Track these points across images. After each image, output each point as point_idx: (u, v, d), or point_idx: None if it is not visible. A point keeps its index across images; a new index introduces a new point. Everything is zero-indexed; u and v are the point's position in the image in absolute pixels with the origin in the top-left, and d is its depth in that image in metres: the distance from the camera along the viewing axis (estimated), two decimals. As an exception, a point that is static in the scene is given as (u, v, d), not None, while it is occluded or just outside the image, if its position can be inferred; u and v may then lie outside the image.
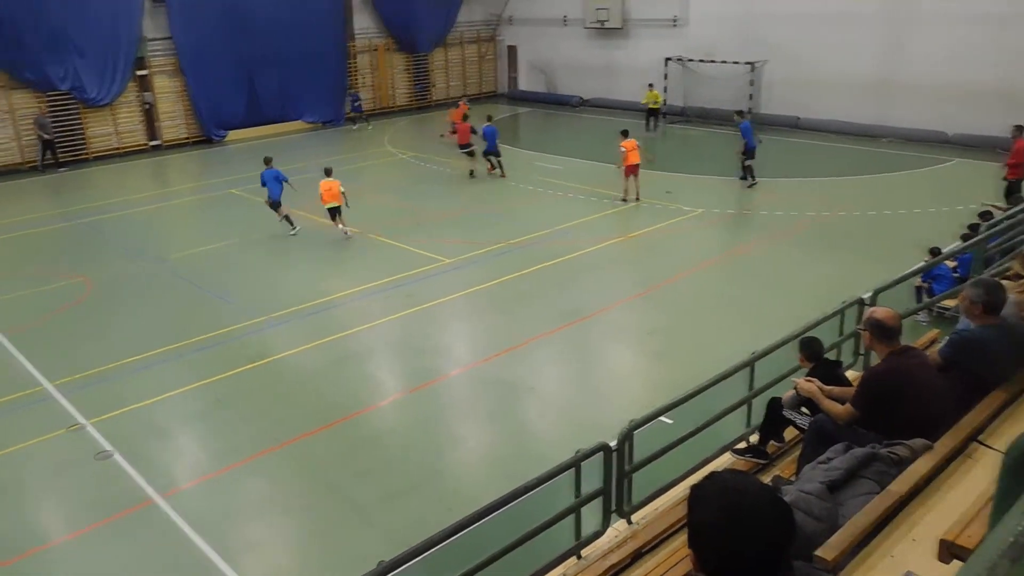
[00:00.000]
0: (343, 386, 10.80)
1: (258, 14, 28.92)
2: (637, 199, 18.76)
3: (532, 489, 5.35)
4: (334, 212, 16.92)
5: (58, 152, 25.57)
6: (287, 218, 17.58)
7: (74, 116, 26.24)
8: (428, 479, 8.62)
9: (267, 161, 18.00)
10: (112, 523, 8.05)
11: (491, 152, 21.58)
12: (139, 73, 27.40)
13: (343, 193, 16.85)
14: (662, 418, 6.75)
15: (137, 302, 13.97)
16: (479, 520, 5.11)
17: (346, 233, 16.94)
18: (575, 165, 22.97)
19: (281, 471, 8.87)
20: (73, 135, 26.27)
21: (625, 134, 18.88)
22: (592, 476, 5.88)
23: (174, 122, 28.73)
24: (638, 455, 6.08)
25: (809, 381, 5.63)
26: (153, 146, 28.04)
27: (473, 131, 21.98)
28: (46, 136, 25.01)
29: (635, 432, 5.95)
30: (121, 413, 10.10)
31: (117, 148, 27.23)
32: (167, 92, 28.30)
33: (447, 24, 35.20)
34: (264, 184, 17.55)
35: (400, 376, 11.40)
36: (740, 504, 2.14)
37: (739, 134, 19.92)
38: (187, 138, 28.94)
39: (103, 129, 27.14)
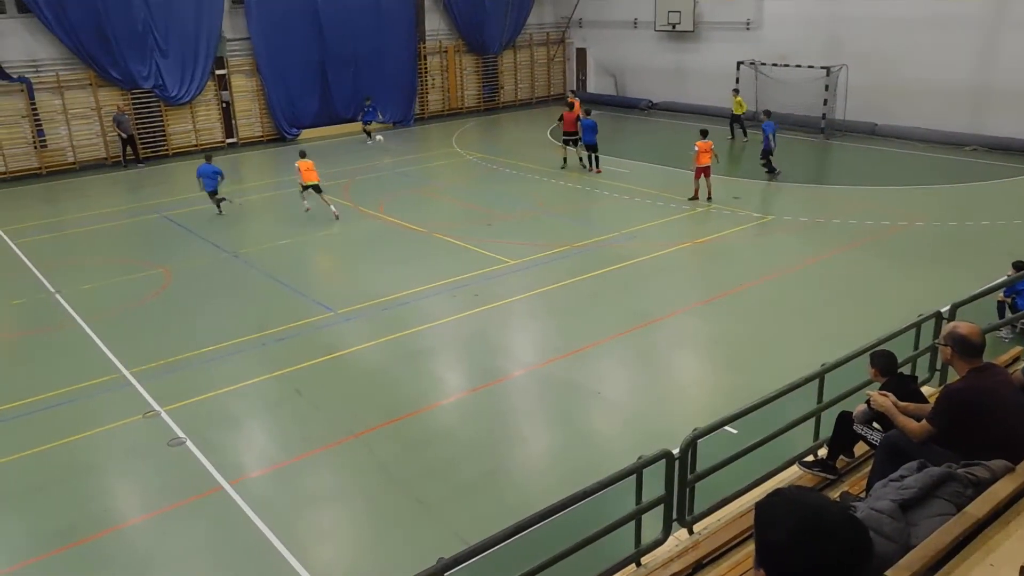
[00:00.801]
0: (410, 382, 10.94)
1: (333, 15, 29.53)
2: (709, 198, 18.65)
3: (593, 493, 5.34)
4: (316, 189, 18.63)
5: (139, 148, 26.57)
6: (219, 202, 19.62)
7: (156, 113, 27.22)
8: (490, 478, 8.67)
9: (207, 158, 20.10)
10: (182, 508, 8.32)
11: (590, 146, 21.92)
12: (218, 72, 28.26)
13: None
14: (727, 428, 6.66)
15: (213, 294, 14.41)
16: (539, 522, 5.13)
17: (336, 216, 18.54)
18: (643, 169, 22.79)
19: (347, 463, 9.04)
20: (154, 132, 27.26)
21: (704, 134, 18.83)
22: (654, 483, 5.83)
23: (250, 120, 29.53)
24: (701, 464, 6.01)
25: (883, 395, 5.47)
26: (230, 143, 28.88)
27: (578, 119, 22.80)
28: (124, 133, 26.01)
29: (699, 441, 5.88)
30: (194, 401, 10.43)
31: (195, 145, 28.12)
32: (244, 91, 29.12)
33: (517, 26, 35.34)
34: (200, 177, 19.47)
35: (465, 374, 11.49)
36: (817, 524, 2.08)
37: (763, 133, 20.94)
38: (262, 136, 29.73)
39: (183, 126, 28.08)
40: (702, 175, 18.56)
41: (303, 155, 19.11)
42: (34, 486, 8.78)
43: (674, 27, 31.51)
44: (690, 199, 18.74)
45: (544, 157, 24.46)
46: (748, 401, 6.31)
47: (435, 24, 33.16)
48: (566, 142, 23.37)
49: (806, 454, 6.77)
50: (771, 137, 20.76)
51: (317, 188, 18.66)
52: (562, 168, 22.98)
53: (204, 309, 13.69)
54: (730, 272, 14.64)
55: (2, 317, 13.86)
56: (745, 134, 26.37)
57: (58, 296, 14.48)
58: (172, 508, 8.33)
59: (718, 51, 30.23)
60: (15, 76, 24.37)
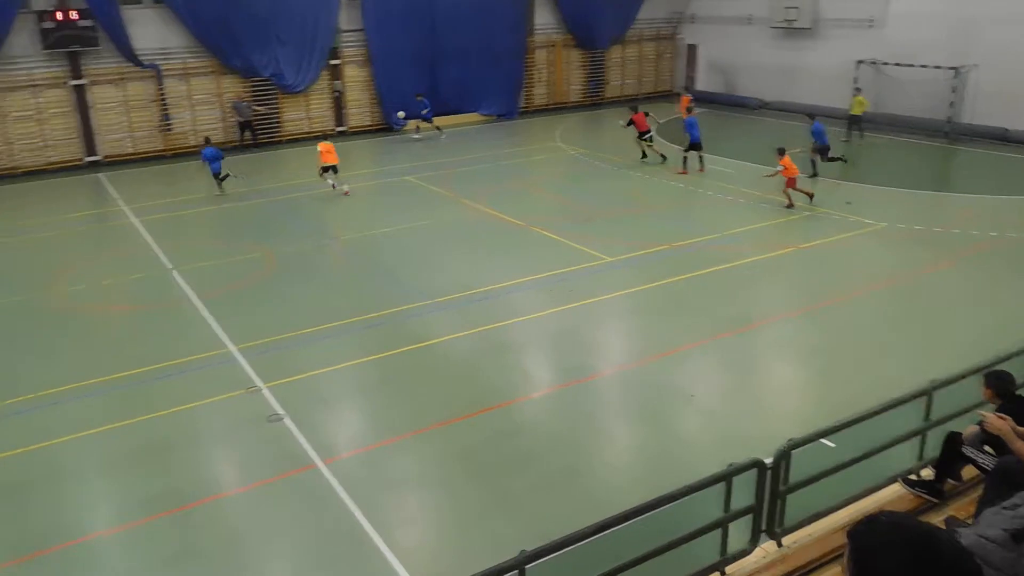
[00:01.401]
0: (498, 374, 11.01)
1: (446, 9, 29.98)
2: (811, 196, 18.19)
3: (680, 497, 5.23)
4: (332, 169, 20.36)
5: (256, 133, 27.74)
6: (221, 181, 21.24)
7: (272, 101, 28.32)
8: (575, 475, 8.63)
9: (207, 140, 22.39)
10: (277, 482, 8.63)
11: (694, 144, 21.48)
12: (332, 62, 29.14)
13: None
14: (823, 440, 6.41)
15: (315, 277, 14.89)
16: (624, 522, 5.06)
17: (341, 189, 20.40)
18: (749, 170, 22.15)
19: (435, 451, 9.17)
20: (270, 118, 28.36)
21: (782, 152, 18.17)
22: (742, 492, 5.67)
23: (360, 110, 30.33)
24: (794, 475, 5.79)
25: (1001, 418, 5.14)
26: (340, 131, 29.73)
27: (647, 114, 23.20)
28: (242, 119, 27.23)
29: (793, 451, 5.67)
30: (293, 380, 10.81)
31: (307, 132, 29.09)
32: (356, 81, 29.93)
33: (627, 21, 34.95)
34: (205, 160, 21.27)
35: (554, 370, 11.47)
36: (929, 554, 1.96)
37: (812, 135, 20.54)
38: (370, 125, 30.49)
39: (296, 114, 29.11)
40: (791, 187, 18.03)
41: (324, 139, 21.46)
42: (140, 452, 9.29)
43: (790, 24, 30.48)
44: (786, 206, 18.13)
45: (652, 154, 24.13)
46: (846, 414, 6.04)
47: (544, 18, 33.18)
48: (642, 138, 23.22)
49: (909, 473, 6.43)
50: (823, 134, 20.53)
51: (335, 169, 20.47)
52: (642, 159, 23.17)
53: (306, 291, 14.16)
54: (836, 279, 14.07)
55: (123, 290, 14.72)
56: (862, 136, 25.27)
57: (174, 273, 15.27)
58: (268, 482, 8.66)
59: (836, 49, 29.06)
60: (147, 63, 25.82)
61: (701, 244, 15.98)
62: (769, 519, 5.75)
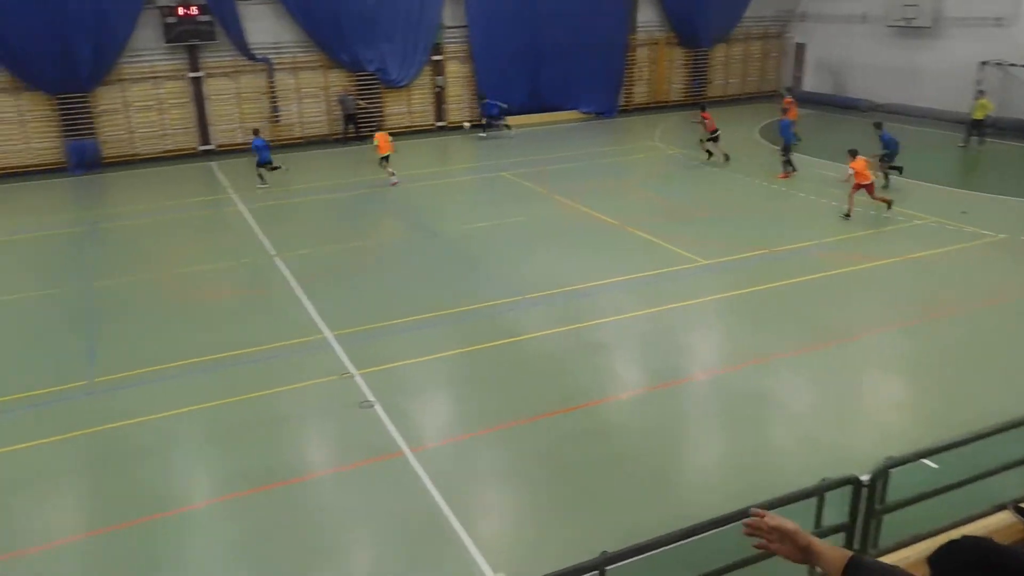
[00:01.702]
0: (587, 373, 10.96)
1: (547, 5, 29.99)
2: (889, 204, 17.33)
3: (769, 509, 5.08)
4: (386, 159, 21.23)
5: (359, 127, 28.48)
6: (262, 174, 21.87)
7: (376, 95, 29.01)
8: (660, 479, 8.51)
9: (256, 132, 22.83)
10: (365, 467, 8.85)
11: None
12: (435, 58, 29.61)
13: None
14: (924, 460, 6.11)
15: (411, 269, 15.18)
16: (709, 530, 4.96)
17: (392, 177, 21.34)
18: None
19: (521, 446, 9.21)
20: (373, 112, 29.07)
21: (853, 154, 17.27)
22: (835, 508, 5.47)
23: (460, 105, 30.72)
24: (892, 495, 5.55)
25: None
26: (439, 127, 30.19)
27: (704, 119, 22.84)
28: (347, 112, 28.03)
29: (892, 470, 5.43)
30: (386, 368, 11.05)
31: (409, 126, 29.68)
32: (457, 77, 30.32)
33: (734, 19, 34.14)
34: (255, 150, 21.94)
35: (643, 372, 11.34)
36: None
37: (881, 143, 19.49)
38: (470, 121, 30.82)
39: (398, 108, 29.74)
40: (859, 191, 17.07)
41: (379, 130, 23.08)
42: (239, 429, 9.69)
43: (908, 22, 29.12)
44: (844, 216, 17.25)
45: (748, 156, 23.54)
46: (951, 434, 5.74)
47: (647, 16, 32.78)
48: (709, 139, 22.84)
49: (1021, 501, 6.05)
50: (891, 141, 19.35)
51: (387, 158, 21.32)
52: (708, 159, 22.88)
53: (402, 282, 14.45)
54: (947, 292, 13.38)
55: (229, 274, 15.39)
56: (982, 141, 23.91)
57: (276, 259, 15.85)
58: (356, 466, 8.90)
59: (958, 49, 27.59)
60: (259, 57, 26.87)
61: (801, 250, 15.48)
62: (863, 539, 5.53)
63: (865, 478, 5.45)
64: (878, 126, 20.17)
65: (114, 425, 9.82)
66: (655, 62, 33.42)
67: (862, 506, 5.41)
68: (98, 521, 8.14)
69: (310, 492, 8.55)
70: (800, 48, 35.08)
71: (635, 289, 13.77)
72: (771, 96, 34.94)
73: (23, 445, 9.45)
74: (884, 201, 17.40)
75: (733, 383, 10.61)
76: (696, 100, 34.37)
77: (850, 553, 2.57)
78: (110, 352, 11.92)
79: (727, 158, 22.71)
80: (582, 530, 7.65)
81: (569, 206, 19.00)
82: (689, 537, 4.91)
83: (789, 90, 27.88)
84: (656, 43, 33.18)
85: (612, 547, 4.79)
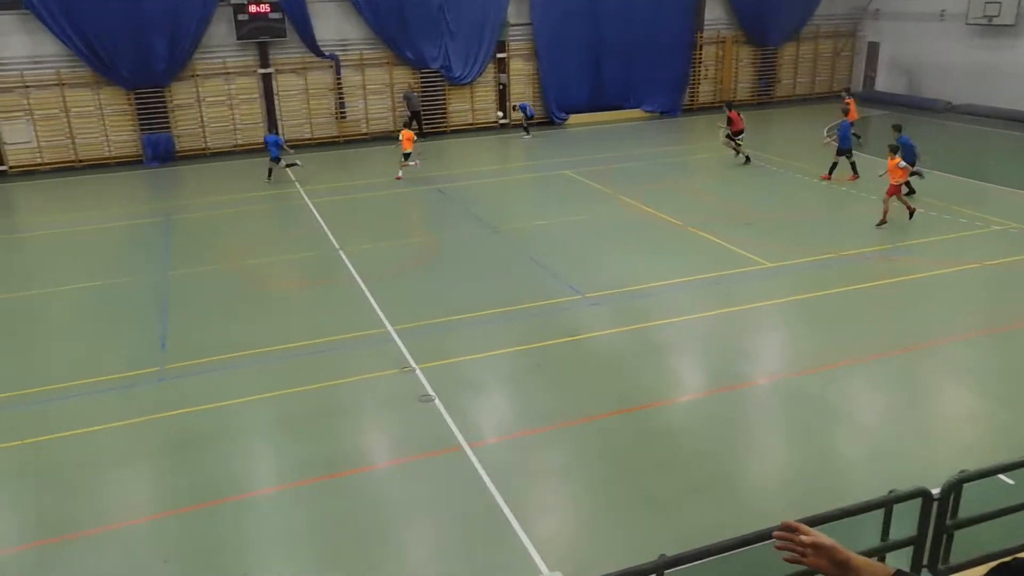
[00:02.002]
0: (648, 374, 10.88)
1: (613, 3, 29.81)
2: (912, 212, 16.58)
3: (834, 519, 4.98)
4: (408, 156, 22.22)
5: (423, 124, 28.76)
6: (271, 170, 22.65)
7: (439, 92, 29.25)
8: (721, 484, 8.39)
9: (270, 129, 24.16)
10: (424, 460, 8.95)
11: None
12: (498, 56, 29.70)
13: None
14: (1000, 476, 5.90)
15: (472, 265, 15.28)
16: (769, 539, 4.87)
17: (397, 173, 22.39)
18: (932, 177, 20.64)
19: (580, 445, 9.19)
20: (436, 109, 29.32)
21: (894, 151, 16.50)
22: (904, 522, 5.32)
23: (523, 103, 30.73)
24: (964, 511, 5.37)
25: None
26: (501, 124, 30.28)
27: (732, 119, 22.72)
28: (412, 109, 28.33)
29: (965, 484, 5.26)
30: (446, 363, 11.16)
31: (471, 124, 29.86)
32: (520, 74, 30.37)
33: (804, 17, 33.39)
34: (267, 146, 22.73)
35: (705, 375, 11.20)
36: None
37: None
38: (532, 119, 30.80)
39: (461, 105, 29.93)
40: (894, 195, 16.34)
41: (407, 125, 24.22)
42: (301, 419, 9.89)
43: (990, 20, 28.07)
44: (878, 224, 16.52)
45: (816, 157, 22.99)
46: (1032, 450, 5.53)
47: (715, 14, 32.30)
48: (735, 138, 22.64)
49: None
50: (910, 147, 18.02)
51: (407, 155, 22.26)
52: (736, 158, 22.77)
53: (463, 278, 14.55)
54: (1026, 301, 12.87)
55: (295, 267, 15.73)
56: None
57: (341, 253, 16.13)
58: (415, 459, 9.00)
59: (1043, 48, 26.51)
60: (327, 53, 27.35)
61: (871, 254, 15.07)
62: (932, 554, 5.37)
63: (936, 491, 5.29)
64: (898, 129, 18.97)
65: (182, 411, 10.14)
66: (721, 61, 32.92)
67: (932, 521, 5.26)
68: (165, 503, 8.41)
69: (369, 483, 8.68)
70: (873, 47, 34.14)
71: (698, 290, 13.60)
72: (840, 97, 34.09)
73: (97, 427, 9.83)
74: (909, 208, 16.61)
75: (797, 388, 10.40)
76: (762, 100, 33.83)
77: (893, 569, 2.49)
78: (181, 340, 12.31)
79: (747, 160, 22.53)
80: (639, 532, 7.61)
81: (632, 205, 18.87)
82: (750, 544, 4.84)
83: (847, 91, 27.06)
84: (723, 41, 32.67)
85: (670, 550, 4.76)
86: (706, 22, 32.16)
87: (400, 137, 22.59)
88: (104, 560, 7.53)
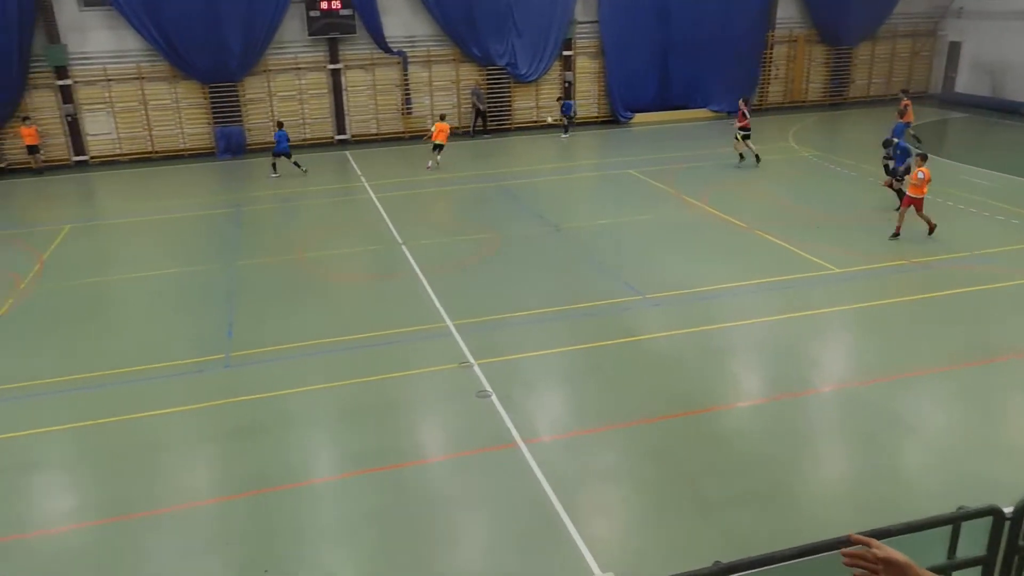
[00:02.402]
0: (709, 377, 10.71)
1: (682, 1, 29.41)
2: (932, 228, 15.71)
3: (898, 534, 4.81)
4: (440, 148, 22.96)
5: (488, 121, 28.89)
6: (274, 165, 23.29)
7: (505, 90, 29.32)
8: (779, 491, 8.22)
9: (280, 124, 24.08)
10: (479, 455, 8.99)
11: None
12: (565, 53, 29.62)
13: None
14: (1080, 497, 5.61)
15: (533, 263, 15.28)
16: (831, 550, 4.73)
17: (427, 163, 23.28)
18: (1014, 184, 19.82)
19: (636, 446, 9.11)
20: (502, 106, 29.40)
21: (924, 159, 15.50)
22: (972, 540, 5.11)
23: (587, 101, 30.61)
24: (1040, 532, 5.13)
25: None
26: (550, 124, 30.21)
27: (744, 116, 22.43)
28: (480, 106, 28.48)
29: (1040, 504, 5.02)
30: (504, 360, 11.19)
31: (535, 121, 29.84)
32: (586, 72, 30.23)
33: (882, 16, 32.40)
34: (277, 141, 23.13)
35: (766, 380, 10.97)
36: None
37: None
38: (596, 117, 30.69)
39: (526, 103, 29.95)
40: (910, 206, 15.46)
41: (443, 118, 24.00)
42: (359, 410, 10.04)
43: (1080, 20, 26.81)
44: (891, 236, 15.68)
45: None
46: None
47: (788, 12, 31.61)
48: (744, 137, 22.43)
49: None
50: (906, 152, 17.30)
51: (440, 147, 23.03)
52: (758, 163, 22.52)
53: (523, 276, 14.56)
54: (1112, 315, 12.25)
55: (359, 260, 15.98)
56: None
57: (403, 247, 16.31)
58: (470, 454, 9.05)
59: None
60: (395, 50, 27.69)
61: (946, 262, 14.54)
62: (1002, 575, 5.15)
63: (1008, 510, 5.07)
64: (887, 144, 18.26)
65: (246, 398, 10.40)
66: (793, 60, 32.20)
67: (1003, 541, 5.04)
68: (226, 488, 8.63)
69: (425, 476, 8.76)
70: (954, 47, 32.93)
71: (761, 294, 13.34)
72: (920, 97, 33.02)
73: (165, 411, 10.16)
74: (929, 224, 15.72)
75: (863, 398, 10.11)
76: (834, 100, 32.97)
77: None
78: (246, 328, 12.62)
79: (758, 159, 22.26)
80: (694, 537, 7.50)
81: (696, 206, 18.61)
82: (809, 555, 4.72)
83: (905, 91, 26.00)
84: (795, 40, 31.95)
85: (725, 557, 4.66)
86: (778, 20, 31.49)
87: (433, 128, 23.21)
88: (167, 539, 7.77)
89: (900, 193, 16.92)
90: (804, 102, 32.64)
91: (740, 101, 22.93)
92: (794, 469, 8.69)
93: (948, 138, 27.34)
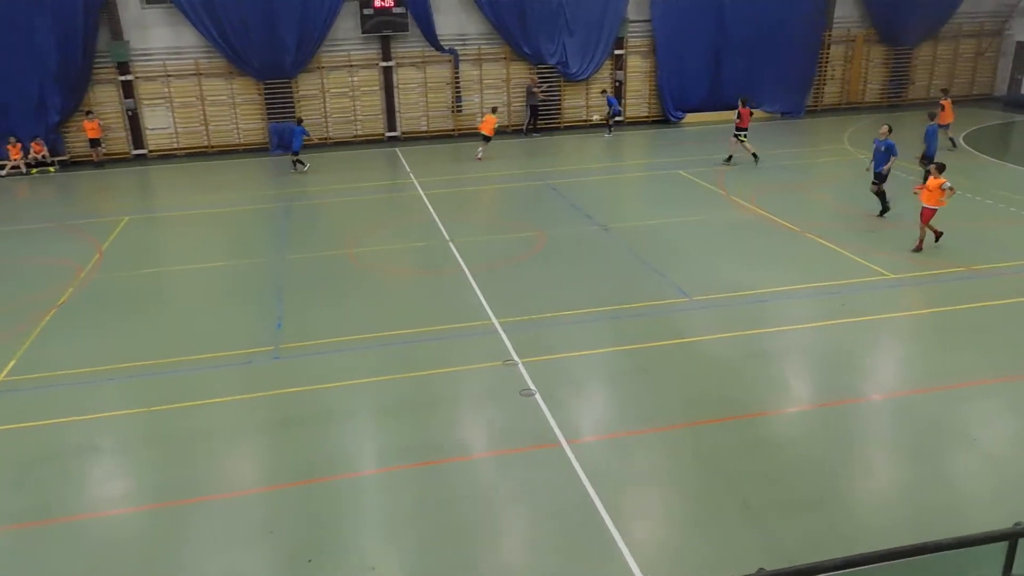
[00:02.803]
0: (756, 382, 10.55)
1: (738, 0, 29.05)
2: (938, 235, 15.06)
3: (949, 548, 4.69)
4: (487, 139, 23.95)
5: (538, 119, 28.88)
6: (298, 162, 23.85)
7: (555, 88, 29.26)
8: (826, 500, 8.05)
9: (299, 121, 24.42)
10: (521, 454, 8.99)
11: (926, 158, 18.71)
12: (616, 52, 29.45)
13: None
14: None
15: (579, 262, 15.23)
16: (878, 561, 4.64)
17: (479, 156, 24.32)
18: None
19: (680, 449, 9.02)
20: (551, 105, 29.35)
21: (940, 169, 14.76)
22: (1029, 557, 4.95)
23: (637, 100, 30.42)
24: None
25: None
26: (616, 121, 30.00)
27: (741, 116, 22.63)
28: (532, 103, 28.51)
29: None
30: (548, 359, 11.17)
31: (585, 120, 29.74)
32: (637, 72, 30.02)
33: (945, 15, 31.51)
34: (292, 137, 23.83)
35: (815, 387, 10.76)
36: None
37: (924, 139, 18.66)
38: (646, 117, 30.47)
39: (576, 102, 29.87)
40: (931, 218, 14.79)
41: (494, 111, 24.78)
42: (403, 405, 10.12)
43: None
44: (913, 250, 15.05)
45: (955, 164, 21.68)
46: None
47: (846, 11, 30.97)
48: (739, 135, 22.56)
49: None
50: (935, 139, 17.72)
51: (488, 139, 24.04)
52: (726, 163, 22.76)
53: (569, 275, 14.52)
54: None
55: (407, 255, 16.11)
56: None
57: (451, 244, 16.40)
58: (513, 452, 9.06)
59: None
60: (446, 48, 27.83)
61: (1008, 270, 14.09)
62: (1060, 595, 4.98)
63: (1068, 528, 4.89)
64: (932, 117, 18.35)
65: (293, 390, 10.56)
66: (850, 60, 31.54)
67: (1061, 559, 4.88)
68: (272, 477, 8.78)
69: (468, 472, 8.79)
70: (1021, 47, 31.90)
71: (814, 299, 13.09)
72: (983, 100, 32.08)
73: (214, 400, 10.37)
74: (935, 232, 15.05)
75: (916, 408, 9.85)
76: (893, 102, 32.20)
77: None
78: (295, 321, 12.82)
79: (756, 158, 22.39)
80: (738, 543, 7.38)
81: (747, 208, 18.35)
82: (855, 566, 4.63)
83: (945, 91, 25.07)
84: (853, 40, 31.28)
85: (769, 565, 4.60)
86: (835, 20, 30.87)
87: (484, 118, 24.23)
88: (213, 526, 7.94)
89: (882, 196, 16.82)
90: (861, 103, 31.95)
91: (739, 101, 22.74)
92: (842, 477, 8.51)
93: (1012, 142, 26.50)
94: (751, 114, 22.67)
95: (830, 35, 30.88)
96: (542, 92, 28.45)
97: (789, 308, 12.80)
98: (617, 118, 28.32)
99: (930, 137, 18.96)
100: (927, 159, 18.29)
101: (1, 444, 9.57)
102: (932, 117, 19.64)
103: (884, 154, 16.83)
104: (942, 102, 22.77)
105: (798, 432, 9.53)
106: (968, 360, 10.94)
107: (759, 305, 12.92)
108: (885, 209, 17.16)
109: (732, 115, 29.63)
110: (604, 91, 28.93)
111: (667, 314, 12.63)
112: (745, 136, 22.44)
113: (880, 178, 17.00)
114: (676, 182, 21.33)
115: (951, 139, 22.98)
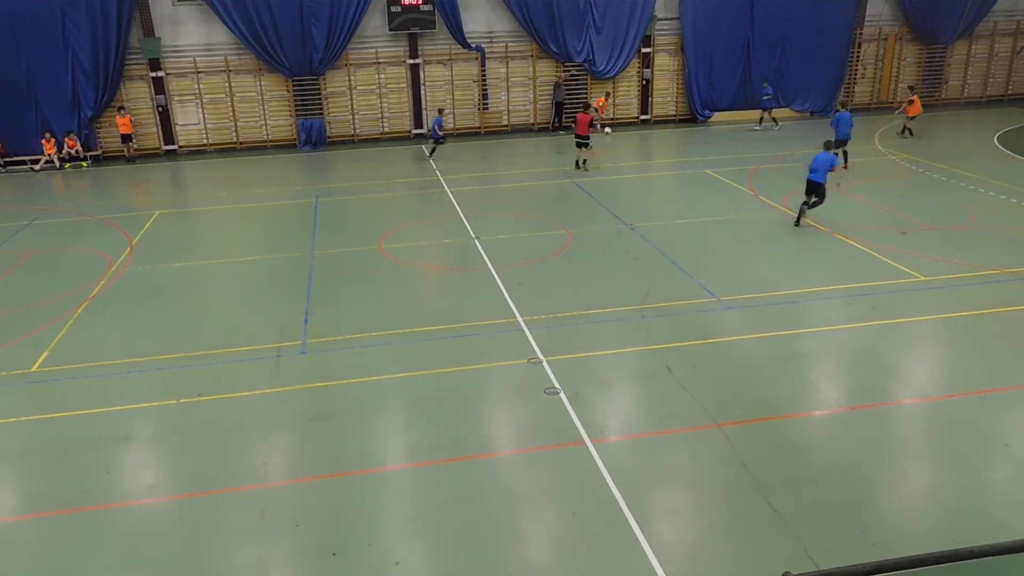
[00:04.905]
0: (784, 384, 10.45)
1: (769, -1, 28.82)
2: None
3: (982, 556, 4.59)
4: (583, 143, 22.55)
5: (564, 117, 28.83)
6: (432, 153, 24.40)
7: (581, 86, 29.19)
8: (856, 505, 7.95)
9: (440, 111, 25.06)
10: (545, 452, 8.97)
11: (840, 140, 20.80)
12: (644, 50, 29.30)
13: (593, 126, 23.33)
14: None
15: (606, 260, 15.18)
16: (908, 568, 4.56)
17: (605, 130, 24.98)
18: None
19: (706, 450, 8.95)
20: (578, 103, 29.27)
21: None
22: (1066, 566, 4.84)
23: (665, 99, 30.28)
24: None
25: None
26: (642, 120, 29.89)
27: (592, 124, 22.98)
28: (557, 100, 28.49)
29: None
30: (573, 357, 11.14)
31: (611, 118, 29.62)
32: (665, 70, 29.87)
33: (981, 13, 30.99)
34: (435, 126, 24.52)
35: (846, 390, 10.62)
36: None
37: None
38: (673, 115, 30.31)
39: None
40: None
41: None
42: (428, 401, 10.14)
43: None
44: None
45: (990, 165, 21.38)
46: None
47: (877, 9, 30.57)
48: (582, 145, 22.76)
49: None
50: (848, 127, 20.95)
51: (586, 144, 22.76)
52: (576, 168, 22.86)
53: (595, 273, 14.48)
54: None
55: (434, 253, 16.15)
56: None
57: (477, 242, 16.41)
58: (537, 450, 9.04)
59: None
60: (473, 45, 27.85)
61: (1042, 273, 13.85)
62: (1097, 606, 4.86)
63: (1106, 537, 4.78)
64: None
65: (319, 385, 10.63)
66: (882, 59, 31.13)
67: (1099, 568, 4.76)
68: (298, 471, 8.84)
69: (492, 469, 8.79)
70: (1058, 47, 31.33)
71: (842, 301, 12.94)
72: (1019, 101, 31.52)
73: (242, 393, 10.47)
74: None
75: (949, 412, 9.70)
76: (926, 101, 31.72)
77: None
78: (322, 316, 12.90)
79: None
80: (763, 546, 7.31)
81: (775, 208, 18.18)
82: (883, 572, 4.55)
83: (912, 88, 26.80)
84: (886, 38, 30.87)
85: (795, 569, 4.55)
86: (867, 18, 30.49)
87: (576, 119, 23.15)
88: (240, 517, 8.01)
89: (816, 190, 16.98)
90: (893, 103, 31.53)
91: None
92: (873, 481, 8.40)
93: (915, 131, 26.15)
94: (589, 124, 22.79)
95: (861, 33, 30.52)
96: (560, 94, 28.49)
97: (818, 309, 12.66)
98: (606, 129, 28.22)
99: (837, 122, 21.39)
100: (839, 143, 20.70)
101: (34, 433, 9.74)
102: (844, 106, 22.57)
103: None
104: (911, 98, 25.54)
105: (827, 435, 9.41)
106: (1001, 365, 10.75)
107: (788, 306, 12.80)
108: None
109: (760, 114, 29.62)
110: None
111: (694, 314, 12.54)
112: (586, 145, 22.60)
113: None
114: (703, 181, 21.19)
115: (909, 129, 25.81)
